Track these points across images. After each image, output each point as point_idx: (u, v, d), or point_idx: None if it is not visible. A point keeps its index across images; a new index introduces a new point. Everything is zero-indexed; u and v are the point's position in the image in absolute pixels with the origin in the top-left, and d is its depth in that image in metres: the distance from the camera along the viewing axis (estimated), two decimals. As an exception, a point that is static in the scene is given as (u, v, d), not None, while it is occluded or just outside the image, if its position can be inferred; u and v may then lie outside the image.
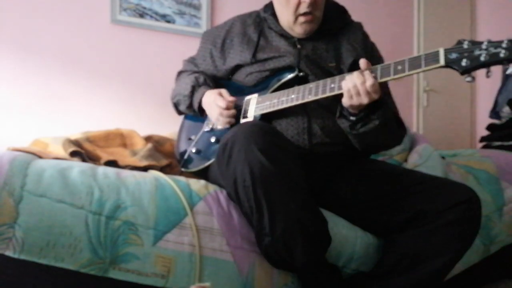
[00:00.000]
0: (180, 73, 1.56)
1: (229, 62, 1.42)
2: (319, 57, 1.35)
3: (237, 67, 1.41)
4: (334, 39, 1.39)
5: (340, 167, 1.32)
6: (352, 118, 1.18)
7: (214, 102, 1.31)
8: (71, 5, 2.32)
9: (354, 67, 1.33)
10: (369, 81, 1.09)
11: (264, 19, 1.44)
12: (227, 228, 1.13)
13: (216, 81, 1.47)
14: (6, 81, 2.18)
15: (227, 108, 1.29)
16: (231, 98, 1.31)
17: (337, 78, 1.18)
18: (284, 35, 1.39)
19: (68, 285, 1.05)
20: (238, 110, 1.34)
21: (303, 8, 1.30)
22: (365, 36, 1.43)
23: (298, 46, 1.36)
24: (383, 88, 1.20)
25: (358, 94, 1.10)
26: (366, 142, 1.25)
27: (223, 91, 1.33)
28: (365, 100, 1.10)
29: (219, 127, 1.35)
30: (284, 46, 1.37)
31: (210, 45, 1.47)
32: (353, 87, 1.10)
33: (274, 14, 1.41)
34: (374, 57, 1.38)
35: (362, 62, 1.13)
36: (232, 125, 1.32)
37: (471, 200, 1.11)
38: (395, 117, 1.29)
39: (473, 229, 1.13)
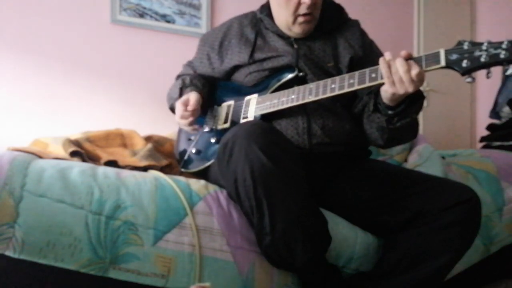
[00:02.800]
0: (178, 77, 1.57)
1: (227, 63, 1.42)
2: (317, 56, 1.35)
3: (236, 68, 1.41)
4: (331, 38, 1.39)
5: (340, 167, 1.32)
6: (390, 112, 1.14)
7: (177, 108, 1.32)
8: (71, 5, 2.31)
9: (352, 65, 1.33)
10: (415, 70, 1.03)
11: (260, 20, 1.44)
12: (227, 228, 1.13)
13: (215, 82, 1.47)
14: (6, 81, 2.18)
15: (182, 118, 1.29)
16: (191, 108, 1.28)
17: (337, 78, 1.17)
18: (281, 35, 1.39)
19: (68, 285, 1.05)
20: (238, 110, 1.35)
21: (303, 9, 1.30)
22: (362, 34, 1.43)
23: (295, 46, 1.36)
24: None
25: (401, 81, 1.04)
26: (395, 137, 1.22)
27: (192, 98, 1.30)
28: (410, 88, 1.03)
29: (214, 124, 1.37)
30: (282, 46, 1.37)
31: (208, 48, 1.47)
32: (395, 73, 1.04)
33: (270, 15, 1.41)
34: (374, 54, 1.38)
35: (404, 53, 1.06)
36: (232, 125, 1.32)
37: (471, 200, 1.11)
38: None
39: (473, 229, 1.13)
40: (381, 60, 1.07)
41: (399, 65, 1.04)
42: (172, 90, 1.47)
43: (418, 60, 1.05)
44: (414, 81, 1.03)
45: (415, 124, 1.21)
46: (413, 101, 1.12)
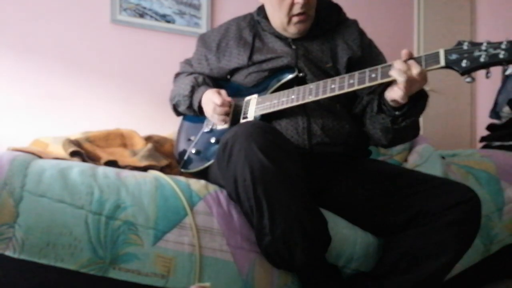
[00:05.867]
0: (177, 75, 1.57)
1: (226, 65, 1.42)
2: (315, 57, 1.35)
3: (235, 70, 1.41)
4: (329, 38, 1.39)
5: (340, 167, 1.32)
6: (397, 113, 1.14)
7: (211, 99, 1.31)
8: (71, 5, 2.31)
9: (350, 65, 1.33)
10: (417, 69, 1.04)
11: (258, 22, 1.44)
12: (227, 228, 1.13)
13: (215, 82, 1.47)
14: (6, 81, 2.18)
15: (222, 105, 1.29)
16: (229, 98, 1.31)
17: (337, 78, 1.17)
18: (278, 36, 1.39)
19: (68, 285, 1.05)
20: (238, 110, 1.35)
21: (297, 9, 1.30)
22: (361, 33, 1.42)
23: (294, 46, 1.36)
24: None
25: (414, 81, 1.04)
26: (399, 136, 1.23)
27: (222, 91, 1.33)
28: (415, 88, 1.06)
29: (214, 124, 1.36)
30: (280, 47, 1.37)
31: (205, 49, 1.47)
32: (409, 75, 1.03)
33: (266, 17, 1.41)
34: (374, 53, 1.38)
35: (404, 53, 1.07)
36: (232, 125, 1.32)
37: (471, 200, 1.11)
38: None
39: (473, 229, 1.13)
40: (398, 62, 1.06)
41: (413, 67, 1.04)
42: (179, 87, 1.47)
43: (418, 60, 1.06)
44: (418, 80, 1.05)
45: (418, 122, 1.22)
46: (417, 101, 1.12)
